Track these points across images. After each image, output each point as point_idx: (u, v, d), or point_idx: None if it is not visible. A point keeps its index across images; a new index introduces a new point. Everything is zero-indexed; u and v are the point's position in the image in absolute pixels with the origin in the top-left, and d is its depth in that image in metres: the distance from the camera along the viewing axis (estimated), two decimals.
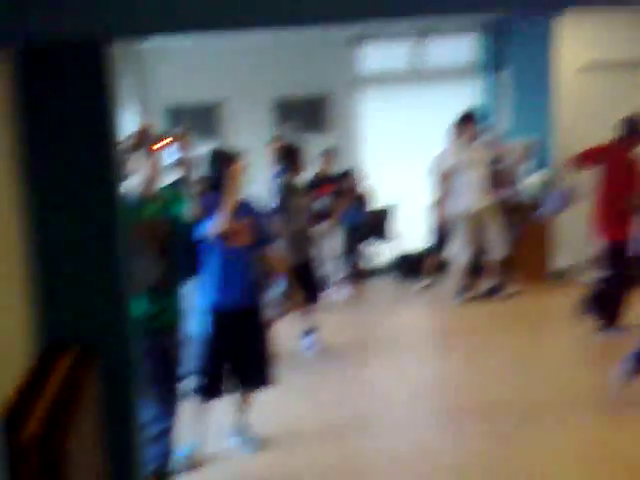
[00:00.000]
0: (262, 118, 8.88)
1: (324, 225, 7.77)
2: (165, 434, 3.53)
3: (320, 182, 7.80)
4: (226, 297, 4.06)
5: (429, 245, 8.18)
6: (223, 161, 3.94)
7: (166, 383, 3.52)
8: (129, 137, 3.37)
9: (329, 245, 7.96)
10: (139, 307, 3.35)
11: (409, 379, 5.47)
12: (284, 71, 9.00)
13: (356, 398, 5.10)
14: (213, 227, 3.84)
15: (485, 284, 7.56)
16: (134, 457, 2.68)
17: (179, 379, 3.72)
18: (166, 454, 3.56)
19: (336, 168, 8.11)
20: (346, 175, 8.35)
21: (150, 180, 3.43)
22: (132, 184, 3.45)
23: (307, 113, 9.17)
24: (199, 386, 4.14)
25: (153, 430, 3.47)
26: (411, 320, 7.22)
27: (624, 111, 7.93)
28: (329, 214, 7.86)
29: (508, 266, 7.78)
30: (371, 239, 8.81)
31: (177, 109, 8.81)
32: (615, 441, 4.22)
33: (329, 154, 8.00)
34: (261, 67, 8.94)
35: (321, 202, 7.82)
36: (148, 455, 3.54)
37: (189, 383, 4.16)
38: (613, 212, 5.86)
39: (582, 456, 4.10)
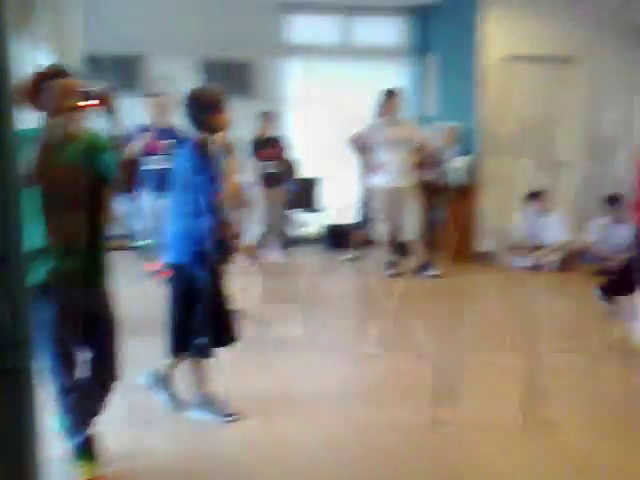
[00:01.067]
0: (186, 77, 8.35)
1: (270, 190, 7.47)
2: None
3: (261, 145, 7.44)
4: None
5: (357, 218, 7.95)
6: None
7: (75, 345, 3.04)
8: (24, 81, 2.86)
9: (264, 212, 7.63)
10: (49, 263, 2.85)
11: (327, 348, 5.03)
12: (212, 31, 8.49)
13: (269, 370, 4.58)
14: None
15: (412, 261, 7.35)
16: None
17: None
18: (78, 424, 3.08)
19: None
20: (277, 141, 8.01)
21: (70, 121, 2.95)
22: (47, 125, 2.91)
23: (232, 76, 8.72)
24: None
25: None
26: (334, 290, 6.80)
27: (547, 102, 8.11)
28: (273, 179, 7.53)
29: (434, 246, 7.61)
30: (299, 208, 8.50)
31: (97, 58, 8.20)
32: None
33: (269, 117, 7.61)
34: (188, 24, 8.36)
35: (265, 166, 7.49)
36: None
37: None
38: None
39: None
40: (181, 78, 8.13)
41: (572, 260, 7.34)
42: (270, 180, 7.47)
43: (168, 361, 3.87)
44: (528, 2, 7.98)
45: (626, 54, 8.09)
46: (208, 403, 3.84)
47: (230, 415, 3.81)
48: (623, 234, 7.18)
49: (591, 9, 7.89)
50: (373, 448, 3.55)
